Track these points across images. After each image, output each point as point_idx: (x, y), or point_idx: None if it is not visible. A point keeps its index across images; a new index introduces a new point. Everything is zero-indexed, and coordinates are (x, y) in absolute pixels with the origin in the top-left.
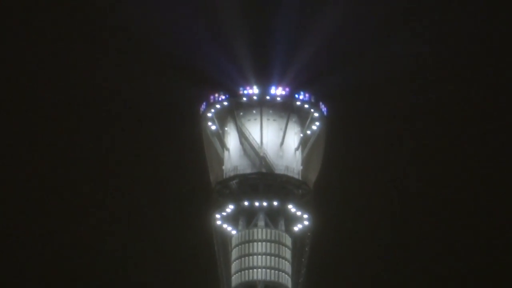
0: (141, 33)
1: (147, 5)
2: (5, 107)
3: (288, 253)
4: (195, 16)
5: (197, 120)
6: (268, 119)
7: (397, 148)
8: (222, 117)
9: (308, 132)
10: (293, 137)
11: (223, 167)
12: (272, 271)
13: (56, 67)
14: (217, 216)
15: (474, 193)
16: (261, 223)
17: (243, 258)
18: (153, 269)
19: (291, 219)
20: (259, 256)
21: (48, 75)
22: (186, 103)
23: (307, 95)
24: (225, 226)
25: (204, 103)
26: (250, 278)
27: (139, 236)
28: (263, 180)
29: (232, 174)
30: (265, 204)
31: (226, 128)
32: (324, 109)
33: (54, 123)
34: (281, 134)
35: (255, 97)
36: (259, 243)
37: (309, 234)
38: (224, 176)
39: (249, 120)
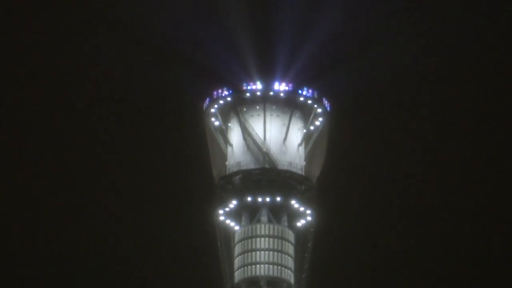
0: (144, 28)
1: (150, 0)
2: (5, 106)
3: (291, 249)
4: (199, 11)
5: (201, 116)
6: (271, 115)
7: (400, 144)
8: (226, 113)
9: (311, 127)
10: (296, 133)
11: (226, 163)
12: (275, 266)
13: (57, 63)
14: (220, 211)
15: (478, 190)
16: (264, 218)
17: (246, 254)
18: (156, 264)
19: (294, 215)
20: (262, 252)
21: (49, 71)
22: (189, 99)
23: (310, 91)
24: (228, 221)
25: (208, 99)
26: (253, 273)
27: (142, 231)
28: (266, 175)
29: (235, 169)
30: (268, 199)
31: (229, 124)
32: (327, 105)
33: (55, 119)
34: (284, 129)
35: (258, 93)
36: (262, 239)
37: (312, 229)
38: (227, 172)
39: (252, 115)
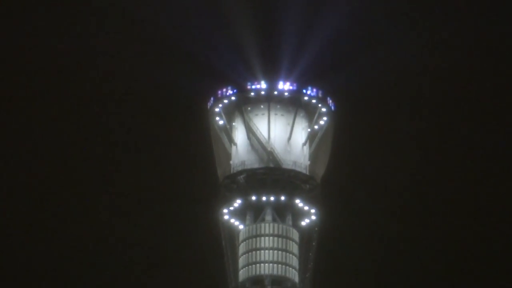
0: (149, 28)
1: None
2: (5, 106)
3: (295, 248)
4: (203, 11)
5: (205, 115)
6: (275, 114)
7: (404, 143)
8: (230, 112)
9: (316, 127)
10: (301, 132)
11: (231, 162)
12: (279, 265)
13: (59, 63)
14: (225, 210)
15: (482, 190)
16: (268, 217)
17: (250, 253)
18: (161, 263)
19: (299, 214)
20: (266, 251)
21: (51, 71)
22: (194, 98)
23: (314, 90)
24: (232, 220)
25: (212, 98)
26: (257, 272)
27: (146, 230)
28: (271, 175)
29: (239, 169)
30: (272, 198)
31: (233, 123)
32: (331, 104)
33: (58, 120)
34: (289, 129)
35: (263, 92)
36: (267, 238)
37: (316, 228)
38: (231, 171)
39: (256, 115)
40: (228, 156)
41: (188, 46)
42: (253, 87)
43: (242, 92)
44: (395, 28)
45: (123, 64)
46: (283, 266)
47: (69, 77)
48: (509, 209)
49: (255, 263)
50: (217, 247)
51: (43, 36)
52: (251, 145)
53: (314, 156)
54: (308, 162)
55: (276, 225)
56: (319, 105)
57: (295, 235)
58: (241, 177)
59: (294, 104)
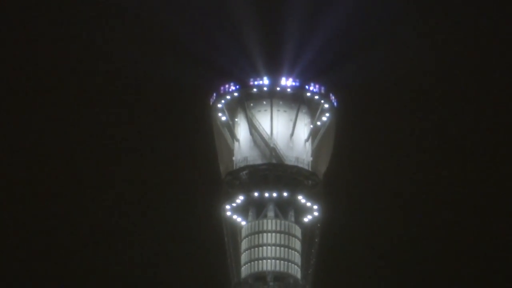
0: (151, 24)
1: None
2: (5, 106)
3: (297, 244)
4: (206, 7)
5: (207, 111)
6: (278, 110)
7: (407, 139)
8: (232, 108)
9: (318, 123)
10: (303, 128)
11: (233, 158)
12: (282, 262)
13: (61, 60)
14: (227, 207)
15: (485, 187)
16: (270, 214)
17: (252, 249)
18: (163, 259)
19: (301, 210)
20: (269, 247)
21: (52, 69)
22: (196, 94)
23: (317, 86)
24: (235, 217)
25: (215, 94)
26: (260, 269)
27: (148, 226)
28: (273, 171)
29: (242, 165)
30: (275, 195)
31: (236, 119)
32: (334, 100)
33: (62, 115)
34: (291, 125)
35: (265, 88)
36: (269, 234)
37: (318, 225)
38: (234, 167)
39: (259, 111)
40: (230, 152)
41: (191, 42)
42: (256, 83)
43: (244, 88)
44: (399, 25)
45: (125, 60)
46: (286, 262)
47: (70, 73)
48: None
49: (258, 259)
50: (219, 243)
51: (41, 34)
52: (254, 141)
53: (316, 153)
54: (310, 158)
55: (278, 221)
56: (322, 101)
57: (298, 231)
58: (243, 173)
59: (296, 100)
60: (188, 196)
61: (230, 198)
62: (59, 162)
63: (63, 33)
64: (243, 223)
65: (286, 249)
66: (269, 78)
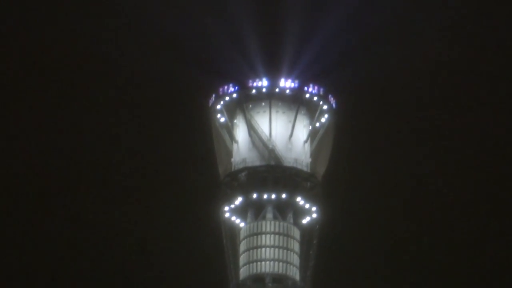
0: (150, 25)
1: None
2: (5, 107)
3: (296, 246)
4: (205, 8)
5: (206, 113)
6: (277, 112)
7: (406, 141)
8: (231, 110)
9: (317, 124)
10: (302, 130)
11: (232, 160)
12: (280, 263)
13: (59, 61)
14: (226, 208)
15: (485, 188)
16: (269, 215)
17: (251, 251)
18: (162, 260)
19: (300, 212)
20: (267, 249)
21: (51, 70)
22: (195, 95)
23: (316, 87)
24: (233, 218)
25: (214, 96)
26: (258, 270)
27: (147, 227)
28: (272, 172)
29: (241, 166)
30: (273, 196)
31: (235, 121)
32: (333, 101)
33: (58, 117)
34: (290, 126)
35: (264, 90)
36: (267, 236)
37: (317, 226)
38: (233, 169)
39: (258, 112)
40: (229, 153)
41: (190, 44)
42: (255, 84)
43: (243, 89)
44: (398, 26)
45: (124, 61)
46: (284, 264)
47: (68, 74)
48: (510, 208)
49: (256, 261)
50: (218, 245)
51: (41, 34)
52: (253, 142)
53: (315, 154)
54: (309, 160)
55: (277, 223)
56: (321, 102)
57: (296, 233)
58: (242, 175)
59: (295, 102)
60: (186, 197)
61: (229, 199)
62: (54, 165)
63: (60, 33)
64: (242, 224)
65: (285, 250)
66: (268, 80)
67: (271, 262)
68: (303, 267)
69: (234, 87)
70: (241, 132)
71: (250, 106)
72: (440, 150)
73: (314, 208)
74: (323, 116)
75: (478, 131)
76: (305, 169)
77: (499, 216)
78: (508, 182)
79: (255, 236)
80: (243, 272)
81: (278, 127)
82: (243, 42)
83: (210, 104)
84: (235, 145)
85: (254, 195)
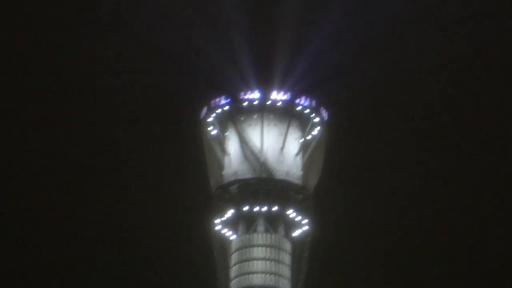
0: (142, 36)
1: (148, 7)
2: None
3: (287, 258)
4: (197, 20)
5: (198, 125)
6: (268, 124)
7: (398, 154)
8: (223, 122)
9: (309, 137)
10: (294, 142)
11: (223, 172)
12: (271, 276)
13: (51, 67)
14: (217, 221)
15: (477, 196)
16: (260, 228)
17: (242, 263)
18: (152, 273)
19: (291, 224)
20: (259, 261)
21: (44, 75)
22: (186, 108)
23: (308, 100)
24: (224, 231)
25: (205, 108)
26: (249, 283)
27: (138, 239)
28: (263, 185)
29: (232, 179)
30: (265, 209)
31: (226, 133)
32: (325, 114)
33: (48, 128)
34: (282, 139)
35: (256, 102)
36: (259, 248)
37: (308, 239)
38: (224, 181)
39: (249, 125)
40: (220, 166)
41: (182, 55)
42: (247, 97)
43: (235, 102)
44: (390, 39)
45: (115, 72)
46: (275, 276)
47: (63, 83)
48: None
49: (247, 273)
50: (209, 257)
51: (41, 33)
52: (244, 155)
53: (307, 167)
54: (301, 172)
55: (268, 235)
56: (312, 115)
57: (288, 245)
58: (233, 187)
59: (287, 114)
60: (178, 210)
61: (220, 212)
62: (41, 177)
63: (52, 39)
64: (233, 237)
65: (276, 263)
66: (260, 92)
67: (262, 275)
68: (294, 280)
69: (226, 99)
70: (232, 145)
71: (242, 118)
72: (434, 163)
73: (305, 221)
74: (315, 128)
75: (473, 145)
76: (296, 181)
77: (497, 225)
78: (508, 182)
79: (246, 249)
80: (234, 285)
81: (269, 139)
82: (235, 55)
83: (201, 116)
84: (226, 158)
85: (246, 208)
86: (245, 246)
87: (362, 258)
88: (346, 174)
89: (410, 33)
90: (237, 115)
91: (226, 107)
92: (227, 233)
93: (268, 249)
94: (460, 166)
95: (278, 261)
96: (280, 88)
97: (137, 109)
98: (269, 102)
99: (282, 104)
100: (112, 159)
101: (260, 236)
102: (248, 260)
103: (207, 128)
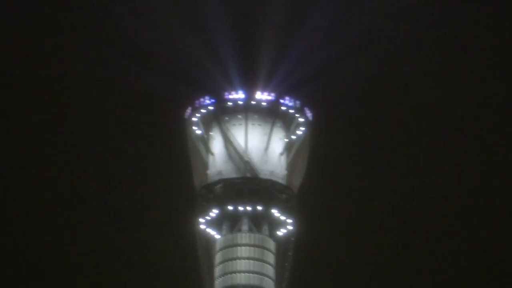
0: (125, 36)
1: (131, 8)
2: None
3: (271, 258)
4: (181, 20)
5: (182, 125)
6: (253, 124)
7: (383, 153)
8: (207, 122)
9: (293, 137)
10: (278, 142)
11: (208, 172)
12: (255, 275)
13: (41, 70)
14: (201, 220)
15: (467, 201)
16: (245, 227)
17: (226, 263)
18: (135, 272)
19: (275, 224)
20: (243, 261)
21: (38, 79)
22: (171, 108)
23: (292, 100)
24: (209, 230)
25: (190, 108)
26: (233, 282)
27: (122, 239)
28: (248, 184)
29: (216, 178)
30: (249, 208)
31: (211, 133)
32: (309, 114)
33: (39, 130)
34: (266, 139)
35: (240, 102)
36: (243, 248)
37: (292, 239)
38: (208, 181)
39: (234, 125)
40: (205, 165)
41: (165, 55)
42: (231, 97)
43: (220, 101)
44: (374, 39)
45: (99, 73)
46: (259, 276)
47: (51, 85)
48: (504, 211)
49: (231, 272)
50: (193, 257)
51: (34, 34)
52: (228, 155)
53: (291, 166)
54: (285, 172)
55: (252, 235)
56: (297, 115)
57: (272, 245)
58: (218, 187)
59: (271, 114)
60: (162, 209)
61: (204, 211)
62: (36, 179)
63: (42, 44)
64: (217, 236)
65: (260, 262)
66: (244, 92)
67: (246, 274)
68: (278, 279)
69: (210, 99)
70: (217, 144)
71: (226, 118)
72: (418, 161)
73: (289, 220)
74: (299, 128)
75: (461, 143)
76: (281, 181)
77: (494, 233)
78: (506, 188)
79: (230, 248)
80: (218, 284)
81: (254, 139)
82: (219, 55)
83: (186, 116)
84: (211, 157)
85: (230, 207)
86: (230, 245)
87: (346, 258)
88: (330, 174)
89: (396, 33)
90: (221, 115)
91: (211, 107)
92: (212, 232)
93: (252, 248)
94: (446, 167)
95: (262, 260)
96: (264, 88)
97: (121, 109)
98: (253, 102)
99: (266, 104)
100: (96, 159)
101: (244, 236)
102: (232, 259)
103: (191, 128)
